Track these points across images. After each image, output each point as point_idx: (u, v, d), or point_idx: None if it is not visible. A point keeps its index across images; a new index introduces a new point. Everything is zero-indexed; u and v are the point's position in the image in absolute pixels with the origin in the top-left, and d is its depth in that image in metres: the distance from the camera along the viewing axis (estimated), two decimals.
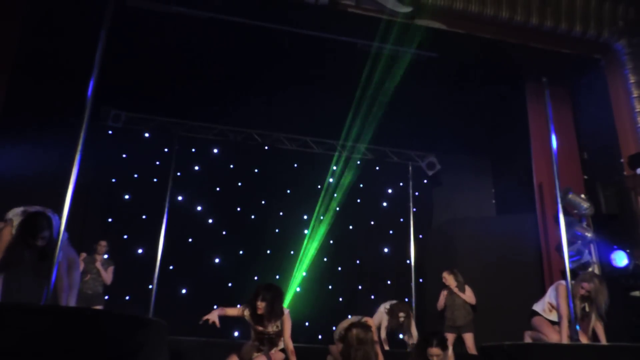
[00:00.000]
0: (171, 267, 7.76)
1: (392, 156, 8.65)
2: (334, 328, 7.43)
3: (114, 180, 8.12)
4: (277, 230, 8.73)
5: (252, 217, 8.79)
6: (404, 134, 8.30)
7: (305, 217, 8.77)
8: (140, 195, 8.13)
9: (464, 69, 7.15)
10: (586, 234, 6.34)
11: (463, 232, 7.89)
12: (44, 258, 3.65)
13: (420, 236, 8.66)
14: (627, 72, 6.43)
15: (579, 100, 7.29)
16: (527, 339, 4.93)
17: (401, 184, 9.14)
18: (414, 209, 8.02)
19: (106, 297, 7.56)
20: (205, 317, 4.05)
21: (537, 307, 4.93)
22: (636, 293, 5.71)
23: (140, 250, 7.93)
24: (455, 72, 7.17)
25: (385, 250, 9.04)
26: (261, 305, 4.08)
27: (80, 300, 6.38)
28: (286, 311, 4.25)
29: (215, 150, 8.83)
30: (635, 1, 6.60)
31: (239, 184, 8.92)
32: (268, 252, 8.58)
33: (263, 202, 8.94)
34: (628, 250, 5.96)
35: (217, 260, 8.37)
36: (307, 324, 8.19)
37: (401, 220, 8.68)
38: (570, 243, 5.48)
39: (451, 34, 6.39)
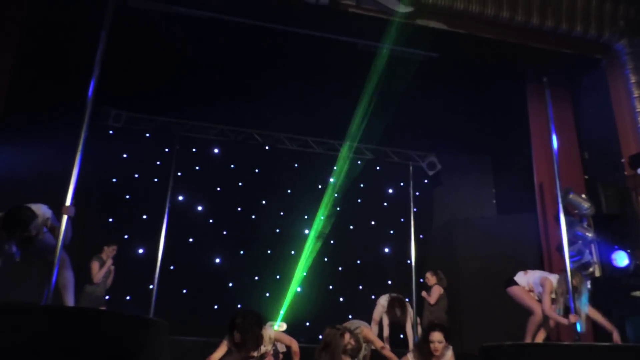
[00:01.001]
0: (172, 267, 7.76)
1: (393, 156, 8.65)
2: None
3: (114, 180, 8.13)
4: (277, 230, 8.74)
5: (252, 217, 8.79)
6: (404, 133, 8.29)
7: (305, 217, 8.78)
8: (141, 195, 8.14)
9: (464, 69, 7.14)
10: (587, 234, 6.33)
11: (464, 232, 7.89)
12: (28, 243, 3.71)
13: (421, 236, 8.65)
14: (628, 72, 6.42)
15: (579, 100, 7.28)
16: None
17: (402, 184, 9.14)
18: (415, 209, 8.01)
19: (107, 297, 7.58)
20: None
21: (518, 278, 4.99)
22: (637, 293, 5.70)
23: (140, 250, 7.94)
24: (456, 72, 7.16)
25: (386, 250, 9.04)
26: (237, 335, 3.91)
27: (93, 302, 6.50)
28: (273, 334, 4.15)
29: (216, 150, 8.84)
30: (636, 1, 6.59)
31: (239, 184, 8.92)
32: (268, 252, 8.58)
33: (263, 202, 8.94)
34: (629, 250, 5.96)
35: (217, 260, 8.38)
36: (307, 324, 8.19)
37: (402, 220, 8.68)
38: (571, 243, 5.48)
39: (452, 34, 6.39)
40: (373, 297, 8.74)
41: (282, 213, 8.88)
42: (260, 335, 4.05)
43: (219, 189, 8.79)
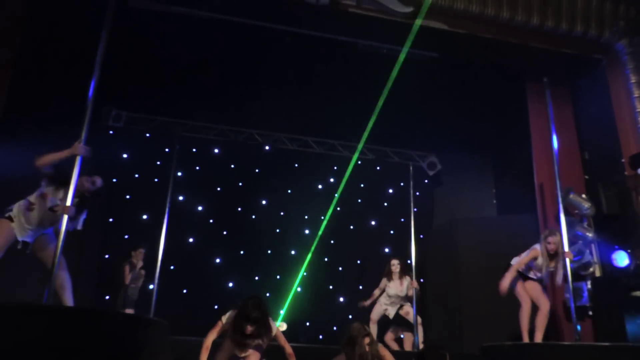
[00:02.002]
0: (172, 267, 7.76)
1: (393, 156, 8.64)
2: (334, 328, 7.48)
3: (114, 180, 8.12)
4: (277, 230, 8.74)
5: (252, 217, 8.79)
6: (404, 133, 8.29)
7: (305, 217, 8.77)
8: (141, 195, 8.14)
9: (464, 69, 7.14)
10: (587, 234, 6.33)
11: (464, 232, 7.88)
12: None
13: (421, 236, 8.65)
14: (628, 72, 6.42)
15: (580, 100, 7.28)
16: None
17: (402, 184, 9.13)
18: (415, 209, 8.00)
19: (107, 297, 7.58)
20: None
21: (514, 266, 5.03)
22: (637, 293, 5.69)
23: (140, 250, 7.93)
24: (456, 72, 7.16)
25: (386, 250, 9.04)
26: (251, 328, 3.87)
27: (130, 305, 6.78)
28: (275, 329, 4.14)
29: (216, 150, 8.84)
30: (636, 1, 6.59)
31: (239, 184, 8.92)
32: (268, 252, 8.58)
33: (263, 202, 8.95)
34: (629, 250, 5.96)
35: (217, 260, 8.38)
36: (307, 324, 8.19)
37: (402, 220, 8.67)
38: (571, 243, 5.48)
39: (452, 34, 6.38)
40: None
41: (282, 213, 8.88)
42: (270, 327, 4.06)
43: (219, 189, 8.79)
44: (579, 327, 4.44)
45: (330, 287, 8.69)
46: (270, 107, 7.82)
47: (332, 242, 8.80)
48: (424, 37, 6.30)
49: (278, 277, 8.35)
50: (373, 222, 9.37)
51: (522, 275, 5.03)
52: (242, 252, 8.54)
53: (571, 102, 7.28)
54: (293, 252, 8.60)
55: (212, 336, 3.94)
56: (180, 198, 8.28)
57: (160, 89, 7.49)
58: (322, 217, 8.37)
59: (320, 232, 8.15)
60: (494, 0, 6.28)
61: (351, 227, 9.16)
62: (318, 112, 7.84)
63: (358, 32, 6.48)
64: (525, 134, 7.26)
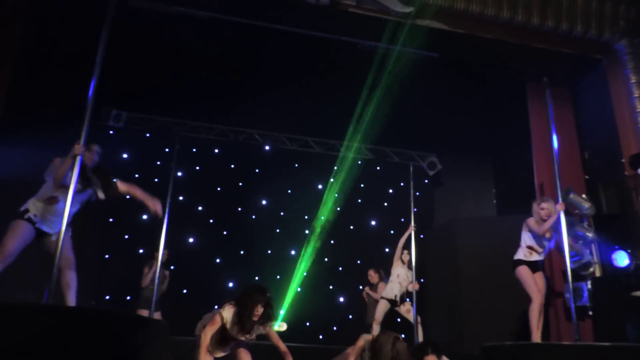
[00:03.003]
0: (172, 267, 7.76)
1: (393, 156, 8.65)
2: (334, 328, 7.48)
3: (114, 180, 8.11)
4: (277, 230, 8.74)
5: (253, 217, 8.79)
6: (404, 133, 8.29)
7: (305, 217, 8.77)
8: None
9: (464, 69, 7.14)
10: (587, 234, 6.33)
11: (464, 232, 7.88)
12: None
13: (422, 236, 8.65)
14: (628, 72, 6.42)
15: (580, 100, 7.28)
16: None
17: (402, 184, 9.13)
18: (415, 209, 8.01)
19: (107, 297, 7.58)
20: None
21: (518, 255, 5.02)
22: (637, 293, 5.70)
23: (140, 250, 7.93)
24: (456, 72, 7.16)
25: (386, 250, 9.04)
26: (259, 311, 3.84)
27: (146, 305, 6.63)
28: (269, 325, 4.08)
29: (216, 150, 8.84)
30: (636, 1, 6.59)
31: (239, 184, 8.92)
32: (268, 252, 8.58)
33: (263, 202, 8.95)
34: (629, 250, 5.95)
35: (217, 260, 8.38)
36: (307, 324, 8.19)
37: (402, 220, 8.67)
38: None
39: (452, 34, 6.38)
40: None
41: (282, 213, 8.88)
42: (273, 312, 4.04)
43: (219, 189, 8.79)
44: (575, 320, 4.44)
45: (331, 287, 8.69)
46: (270, 107, 7.82)
47: (332, 242, 8.80)
48: (424, 37, 6.30)
49: (278, 277, 8.35)
50: (373, 222, 9.38)
51: (532, 266, 4.98)
52: (242, 252, 8.54)
53: (571, 102, 7.28)
54: (293, 252, 8.60)
55: (210, 333, 3.82)
56: (180, 198, 8.27)
57: (160, 89, 7.49)
58: (322, 217, 8.39)
59: (317, 233, 8.17)
60: (494, 1, 6.27)
61: (351, 227, 9.16)
62: (318, 112, 7.84)
63: (358, 32, 6.48)
64: (525, 134, 7.26)
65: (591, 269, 6.29)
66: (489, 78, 7.27)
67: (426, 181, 9.14)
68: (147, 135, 8.14)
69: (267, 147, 8.73)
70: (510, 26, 6.41)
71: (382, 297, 6.73)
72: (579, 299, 6.09)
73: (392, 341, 3.81)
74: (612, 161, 6.53)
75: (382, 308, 6.63)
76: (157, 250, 6.61)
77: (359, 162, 8.59)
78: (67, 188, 3.73)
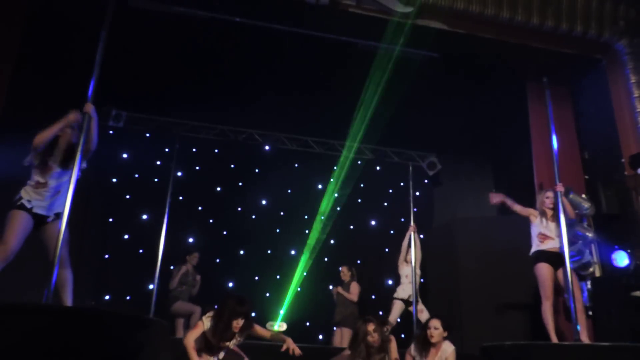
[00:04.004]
0: (172, 267, 7.76)
1: (393, 156, 8.65)
2: (334, 328, 7.47)
3: (114, 180, 8.12)
4: (277, 230, 8.73)
5: (252, 217, 8.79)
6: (404, 134, 8.29)
7: (305, 217, 8.77)
8: (141, 195, 8.13)
9: (464, 69, 7.14)
10: (587, 234, 6.33)
11: (464, 232, 7.87)
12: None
13: (422, 236, 8.65)
14: (628, 72, 6.42)
15: (579, 100, 7.28)
16: None
17: (402, 183, 9.12)
18: (415, 209, 8.00)
19: (107, 297, 7.58)
20: None
21: (532, 249, 5.05)
22: (637, 293, 5.69)
23: (140, 250, 7.93)
24: (456, 72, 7.16)
25: (386, 250, 9.03)
26: (239, 323, 3.84)
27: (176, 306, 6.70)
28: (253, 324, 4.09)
29: (216, 150, 8.83)
30: (636, 1, 6.59)
31: (239, 184, 8.92)
32: (268, 252, 8.58)
33: (263, 202, 8.94)
34: (629, 250, 5.95)
35: (217, 261, 8.38)
36: (307, 324, 8.18)
37: (402, 220, 8.67)
38: (571, 243, 5.46)
39: (452, 34, 6.38)
40: (373, 297, 8.75)
41: (282, 213, 8.88)
42: (252, 322, 4.07)
43: (219, 188, 8.79)
44: (578, 327, 4.43)
45: (330, 287, 8.68)
46: (270, 107, 7.82)
47: (332, 242, 8.79)
48: (424, 37, 6.30)
49: (278, 277, 8.35)
50: (373, 222, 9.37)
51: (552, 259, 4.94)
52: (241, 252, 8.54)
53: (571, 102, 7.28)
54: (293, 252, 8.60)
55: (192, 337, 3.83)
56: (180, 198, 8.27)
57: (160, 89, 7.49)
58: (322, 217, 8.38)
59: (316, 233, 8.17)
60: (494, 0, 6.27)
61: (351, 227, 9.15)
62: (318, 112, 7.84)
63: (358, 32, 6.48)
64: (525, 134, 7.26)
65: (591, 269, 6.29)
66: (488, 78, 7.27)
67: (426, 181, 9.13)
68: (147, 135, 8.14)
69: (267, 147, 8.73)
70: (510, 26, 6.41)
71: (395, 298, 6.76)
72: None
73: (362, 323, 4.35)
74: (612, 161, 6.53)
75: (397, 309, 6.66)
76: (157, 249, 6.61)
77: (359, 162, 8.59)
78: (51, 171, 3.74)
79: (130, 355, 2.98)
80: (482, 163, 9.28)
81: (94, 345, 2.80)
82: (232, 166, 8.92)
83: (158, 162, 8.34)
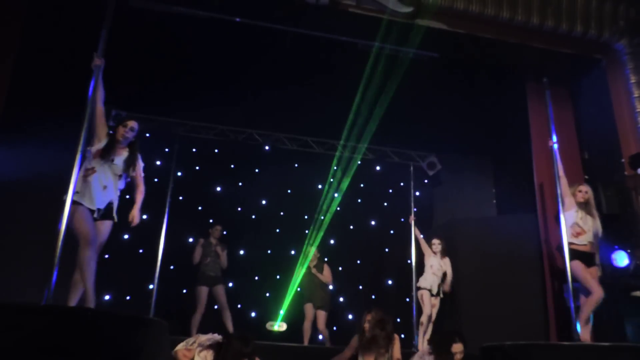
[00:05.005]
0: (172, 267, 7.76)
1: (393, 156, 8.65)
2: (334, 328, 7.48)
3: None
4: (277, 230, 8.73)
5: (252, 217, 8.79)
6: (404, 134, 8.29)
7: (305, 217, 8.77)
8: None
9: (464, 69, 7.14)
10: None
11: (464, 232, 7.88)
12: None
13: (422, 236, 8.66)
14: (628, 72, 6.41)
15: (579, 100, 7.27)
16: None
17: (402, 184, 9.13)
18: (415, 209, 8.01)
19: (107, 297, 7.58)
20: None
21: (566, 239, 4.97)
22: (637, 293, 5.70)
23: (140, 250, 7.93)
24: (456, 72, 7.16)
25: (386, 250, 9.04)
26: None
27: (204, 281, 6.81)
28: None
29: (216, 150, 8.83)
30: (636, 1, 6.58)
31: (239, 183, 8.92)
32: (268, 252, 8.58)
33: (263, 202, 8.94)
34: (629, 250, 5.95)
35: None
36: None
37: (402, 220, 8.68)
38: None
39: (452, 34, 6.38)
40: (373, 297, 8.76)
41: (282, 213, 8.88)
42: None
43: (219, 189, 8.79)
44: (578, 327, 4.43)
45: (330, 287, 8.69)
46: (270, 107, 7.82)
47: (332, 242, 8.79)
48: (424, 37, 6.30)
49: (278, 277, 8.35)
50: (373, 222, 9.37)
51: (585, 259, 4.94)
52: (242, 252, 8.53)
53: (571, 102, 7.27)
54: (293, 252, 8.60)
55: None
56: (180, 198, 8.27)
57: (160, 89, 7.49)
58: (323, 217, 8.38)
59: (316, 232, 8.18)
60: (494, 0, 6.27)
61: (351, 227, 9.15)
62: (318, 112, 7.84)
63: (358, 32, 6.48)
64: (525, 134, 7.26)
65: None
66: (488, 78, 7.27)
67: (426, 181, 9.14)
68: (147, 135, 8.14)
69: (266, 147, 8.72)
70: (510, 26, 6.41)
71: (419, 287, 6.89)
72: (579, 299, 6.08)
73: (366, 312, 4.58)
74: (612, 161, 6.53)
75: (427, 300, 6.73)
76: (157, 249, 6.62)
77: (359, 162, 8.59)
78: (101, 158, 3.78)
79: (131, 355, 2.98)
80: (482, 163, 9.29)
81: (94, 346, 2.80)
82: (232, 166, 8.92)
83: (158, 162, 8.33)
